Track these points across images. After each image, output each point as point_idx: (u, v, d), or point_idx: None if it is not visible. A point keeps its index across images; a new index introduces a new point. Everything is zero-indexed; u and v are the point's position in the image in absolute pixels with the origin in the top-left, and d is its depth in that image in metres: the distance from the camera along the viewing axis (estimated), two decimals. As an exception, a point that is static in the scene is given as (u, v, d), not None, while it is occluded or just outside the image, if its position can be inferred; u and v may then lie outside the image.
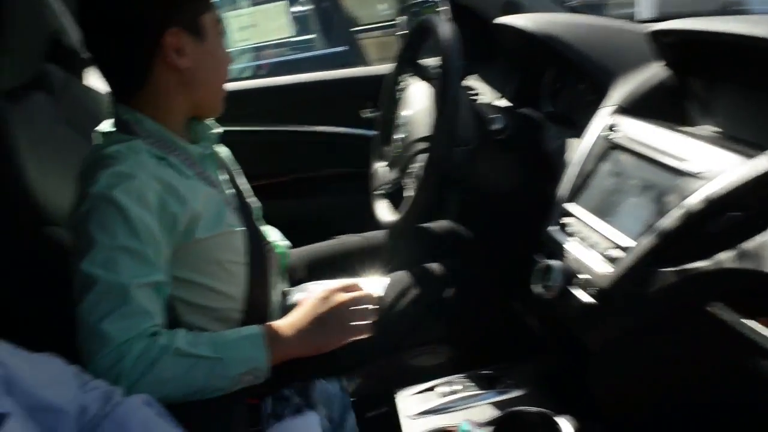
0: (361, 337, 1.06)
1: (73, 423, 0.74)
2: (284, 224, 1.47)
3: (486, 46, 1.78)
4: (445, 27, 1.27)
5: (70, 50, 1.62)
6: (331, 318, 1.05)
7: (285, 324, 1.05)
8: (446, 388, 1.14)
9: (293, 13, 4.48)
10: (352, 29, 4.52)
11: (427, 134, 1.29)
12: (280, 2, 4.49)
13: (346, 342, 1.06)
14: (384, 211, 1.48)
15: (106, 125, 1.10)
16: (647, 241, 0.91)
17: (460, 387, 1.14)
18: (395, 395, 1.02)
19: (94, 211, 0.96)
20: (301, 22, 4.51)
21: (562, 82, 1.48)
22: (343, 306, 1.06)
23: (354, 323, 1.06)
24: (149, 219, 0.98)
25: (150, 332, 0.95)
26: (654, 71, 1.18)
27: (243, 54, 4.60)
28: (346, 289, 1.09)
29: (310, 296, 1.11)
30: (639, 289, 0.90)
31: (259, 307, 1.16)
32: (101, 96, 1.76)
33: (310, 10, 4.43)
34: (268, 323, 1.06)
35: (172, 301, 1.04)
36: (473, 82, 1.78)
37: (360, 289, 1.10)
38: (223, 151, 1.27)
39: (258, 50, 4.60)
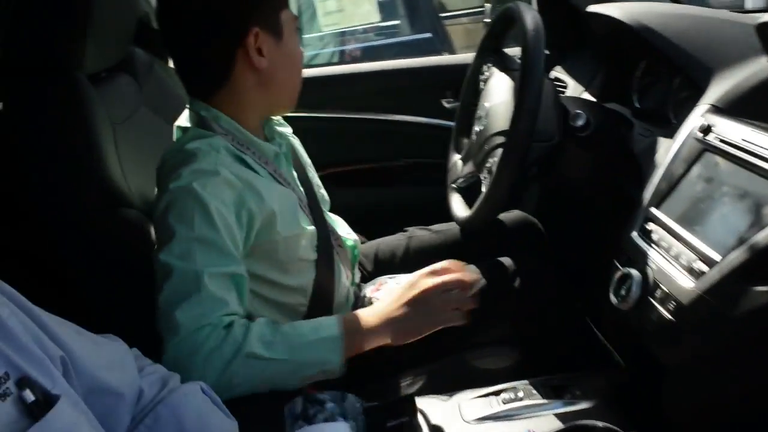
0: (454, 324, 1.04)
1: (129, 406, 0.74)
2: (356, 214, 1.46)
3: (575, 37, 1.69)
4: (529, 15, 1.21)
5: (156, 33, 1.66)
6: (420, 303, 1.02)
7: (370, 312, 1.04)
8: (510, 395, 1.09)
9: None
10: (438, 15, 4.45)
11: (506, 128, 1.23)
12: (368, -13, 4.48)
13: (435, 329, 1.03)
14: (457, 206, 1.43)
15: (184, 119, 1.12)
16: (737, 255, 0.83)
17: (524, 394, 1.09)
18: (416, 402, 0.99)
19: (174, 204, 0.99)
20: (387, 8, 4.47)
21: (654, 76, 1.39)
22: (434, 291, 1.03)
23: (446, 310, 1.03)
24: (227, 213, 0.99)
25: (224, 322, 0.95)
26: (759, 68, 1.08)
27: (330, 39, 4.63)
28: (436, 272, 1.06)
29: (392, 286, 1.09)
30: (724, 308, 0.83)
31: (324, 301, 1.16)
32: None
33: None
34: (350, 314, 1.05)
35: None
36: (559, 74, 1.70)
37: (453, 273, 1.06)
38: (295, 143, 1.27)
39: (344, 35, 4.60)
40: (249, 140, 1.09)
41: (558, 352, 1.25)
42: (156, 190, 1.09)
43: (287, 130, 1.28)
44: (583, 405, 1.06)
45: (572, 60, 1.70)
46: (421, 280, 1.04)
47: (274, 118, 1.21)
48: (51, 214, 1.10)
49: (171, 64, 1.63)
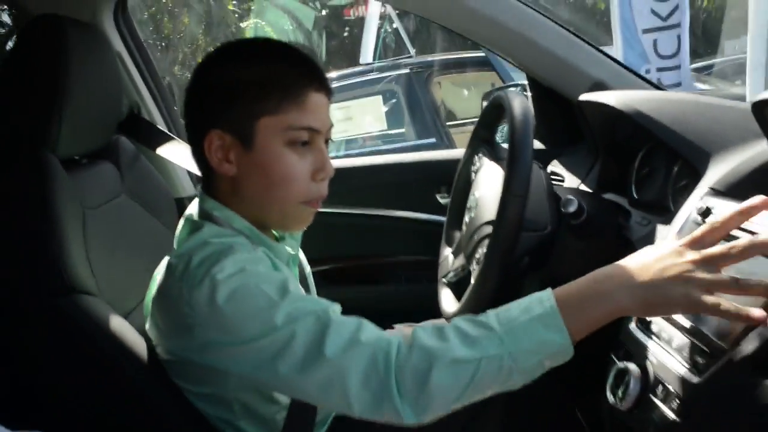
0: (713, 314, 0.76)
1: None
2: (345, 313, 1.38)
3: (570, 131, 1.67)
4: (517, 101, 1.18)
5: (145, 123, 1.66)
6: (682, 280, 0.76)
7: (605, 272, 0.82)
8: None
9: (387, 106, 4.57)
10: (443, 121, 4.54)
11: (494, 217, 1.17)
12: (375, 97, 4.60)
13: (689, 310, 0.81)
14: (446, 301, 1.35)
15: (193, 211, 1.05)
16: (746, 345, 0.74)
17: None
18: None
19: (237, 291, 0.87)
20: (394, 116, 4.58)
21: (651, 167, 1.34)
22: (701, 265, 0.75)
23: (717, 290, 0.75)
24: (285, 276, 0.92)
25: (386, 335, 0.84)
26: (757, 151, 1.03)
27: (340, 145, 4.71)
28: (717, 230, 0.78)
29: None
30: (734, 405, 0.72)
31: (307, 410, 1.06)
32: (171, 172, 1.79)
33: (403, 104, 4.51)
34: (574, 281, 0.83)
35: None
36: (555, 168, 1.66)
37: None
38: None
39: (352, 142, 4.69)
40: (262, 241, 1.01)
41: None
42: (158, 280, 0.98)
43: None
44: None
45: (569, 154, 1.67)
46: (683, 249, 0.79)
47: None
48: (2, 296, 1.03)
49: (165, 154, 1.62)
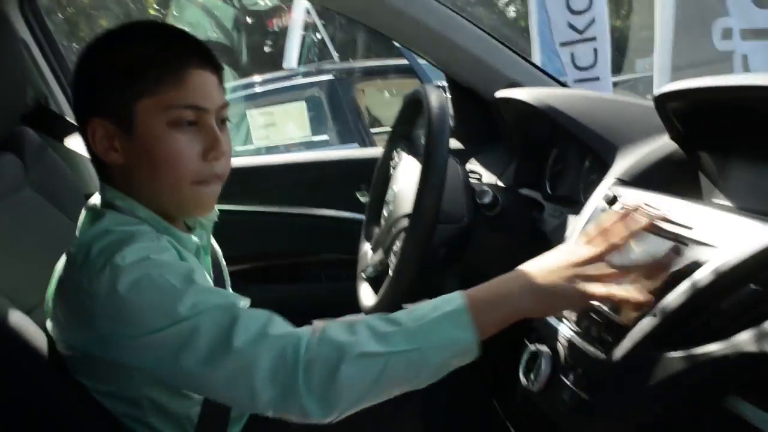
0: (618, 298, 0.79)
1: None
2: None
3: (488, 131, 1.70)
4: (434, 95, 1.19)
5: (54, 116, 1.59)
6: (571, 274, 0.82)
7: (508, 276, 0.86)
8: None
9: (311, 112, 4.54)
10: (367, 127, 4.55)
11: (411, 210, 1.18)
12: (300, 103, 4.57)
13: (588, 301, 0.83)
14: (365, 295, 1.34)
15: (95, 201, 1.00)
16: (648, 321, 0.77)
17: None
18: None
19: (141, 280, 0.83)
20: (318, 121, 4.56)
21: (564, 163, 1.38)
22: (589, 260, 0.82)
23: (604, 281, 0.80)
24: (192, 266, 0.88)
25: (298, 329, 0.81)
26: (660, 144, 1.08)
27: (260, 152, 4.64)
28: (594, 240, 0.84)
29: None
30: (638, 379, 0.75)
31: (221, 408, 1.02)
32: (81, 165, 1.72)
33: (327, 111, 4.49)
34: (483, 284, 0.86)
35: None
36: (474, 166, 1.68)
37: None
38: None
39: (274, 149, 4.63)
40: (168, 231, 0.97)
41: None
42: (59, 272, 0.93)
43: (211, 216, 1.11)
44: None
45: (487, 153, 1.70)
46: (576, 247, 0.86)
47: None
48: None
49: (74, 147, 1.55)
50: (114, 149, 0.91)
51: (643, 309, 0.78)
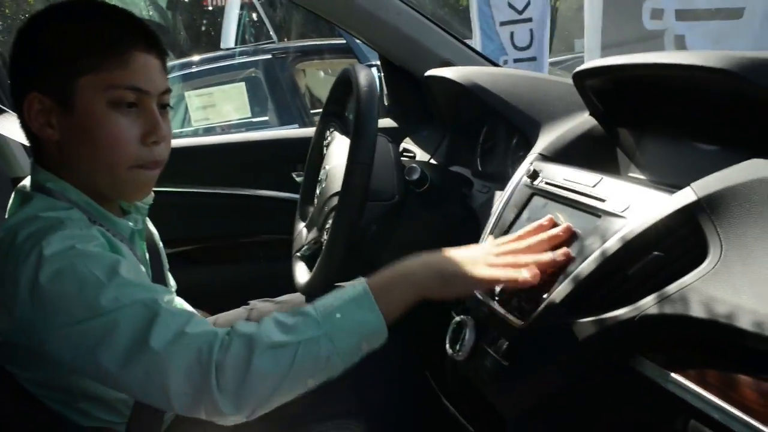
0: (516, 281, 0.83)
1: None
2: (201, 293, 1.34)
3: (421, 109, 1.72)
4: (362, 73, 1.20)
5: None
6: (472, 259, 0.87)
7: (412, 260, 0.89)
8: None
9: (251, 93, 4.47)
10: (307, 109, 4.52)
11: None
12: (239, 83, 4.50)
13: (493, 282, 0.88)
14: (300, 274, 1.35)
15: (26, 183, 0.97)
16: (560, 288, 0.80)
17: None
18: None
19: (63, 271, 0.81)
20: (258, 102, 4.50)
21: (494, 141, 1.41)
22: (494, 245, 0.90)
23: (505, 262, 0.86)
24: (120, 258, 0.86)
25: (212, 328, 0.81)
26: (580, 121, 1.12)
27: (198, 133, 4.56)
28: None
29: None
30: (552, 345, 0.78)
31: None
32: (6, 148, 1.67)
33: (266, 91, 4.44)
34: (387, 268, 0.89)
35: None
36: (407, 145, 1.71)
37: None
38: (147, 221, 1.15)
39: (212, 130, 4.56)
40: (101, 215, 0.95)
41: (406, 422, 1.16)
42: None
43: (146, 200, 1.10)
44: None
45: (420, 132, 1.72)
46: (487, 245, 0.91)
47: None
48: None
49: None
50: (50, 125, 0.90)
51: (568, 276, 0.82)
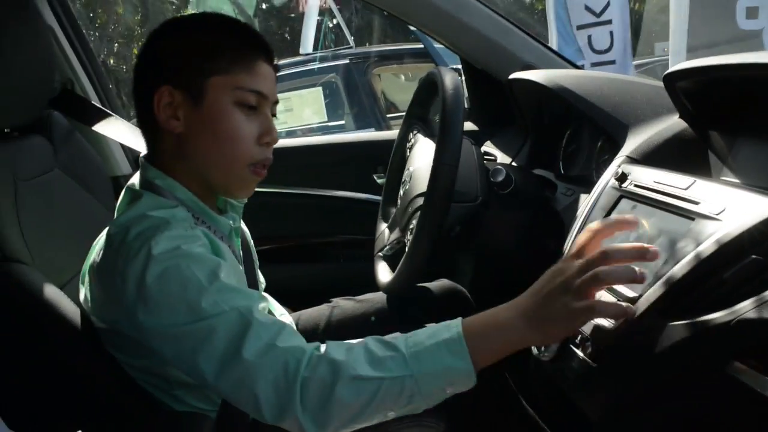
0: (608, 316, 0.81)
1: None
2: (285, 290, 1.39)
3: (502, 113, 1.73)
4: (448, 76, 1.22)
5: (80, 100, 1.64)
6: (561, 293, 0.80)
7: (504, 307, 0.85)
8: (433, 464, 1.00)
9: (327, 97, 4.57)
10: (383, 112, 4.57)
11: (426, 190, 1.21)
12: (316, 89, 4.60)
13: (585, 322, 0.83)
14: (382, 273, 1.38)
15: (135, 182, 1.04)
16: (653, 292, 0.80)
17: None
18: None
19: (168, 271, 0.87)
20: (334, 107, 4.58)
21: (577, 144, 1.40)
22: (576, 273, 0.80)
23: (589, 296, 0.80)
24: (222, 262, 0.92)
25: (304, 345, 0.84)
26: (670, 123, 1.10)
27: (284, 136, 4.69)
28: (580, 253, 0.82)
29: None
30: (642, 347, 0.78)
31: None
32: (106, 148, 1.77)
33: (343, 96, 4.52)
34: (480, 313, 0.86)
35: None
36: (489, 148, 1.71)
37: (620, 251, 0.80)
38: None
39: (292, 134, 4.67)
40: (205, 213, 1.02)
41: (485, 422, 1.16)
42: (99, 251, 0.97)
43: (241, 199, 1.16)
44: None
45: (501, 135, 1.73)
46: (567, 263, 0.82)
47: None
48: None
49: (101, 130, 1.60)
50: (176, 118, 0.97)
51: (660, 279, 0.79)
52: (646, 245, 0.79)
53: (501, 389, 1.28)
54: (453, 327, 0.83)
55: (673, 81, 1.03)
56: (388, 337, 0.85)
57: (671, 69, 1.01)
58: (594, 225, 0.84)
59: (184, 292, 0.86)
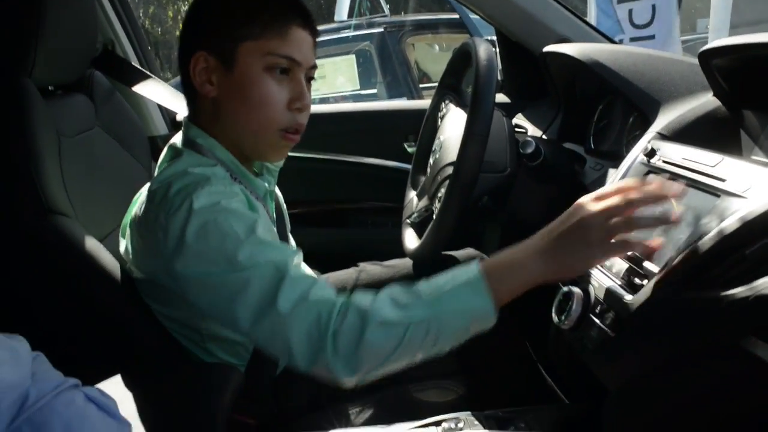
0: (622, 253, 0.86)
1: (9, 406, 0.68)
2: (313, 253, 1.43)
3: (535, 86, 1.73)
4: (482, 47, 1.22)
5: (120, 60, 1.68)
6: (577, 233, 0.83)
7: (519, 247, 0.87)
8: (451, 424, 1.04)
9: (360, 66, 4.56)
10: (416, 81, 4.55)
11: (455, 159, 1.22)
12: (349, 56, 4.59)
13: (599, 261, 0.88)
14: (409, 239, 1.41)
15: (177, 141, 1.08)
16: (674, 265, 0.81)
17: (465, 424, 1.03)
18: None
19: (208, 224, 0.91)
20: (367, 75, 4.58)
21: (609, 119, 1.40)
22: (596, 217, 0.82)
23: (607, 239, 0.82)
24: (259, 217, 0.95)
25: (334, 295, 0.88)
26: (702, 101, 1.10)
27: (317, 102, 4.71)
28: (603, 197, 0.84)
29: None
30: (661, 319, 0.80)
31: None
32: (144, 108, 1.81)
33: (376, 65, 4.50)
34: (496, 254, 0.89)
35: None
36: (520, 121, 1.71)
37: (626, 194, 0.83)
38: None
39: (324, 101, 4.68)
40: (242, 174, 1.05)
41: (504, 388, 1.19)
42: (140, 205, 1.01)
43: (277, 163, 1.21)
44: (526, 436, 1.01)
45: (533, 108, 1.73)
46: (582, 207, 0.84)
47: None
48: None
49: (140, 90, 1.64)
50: (210, 82, 1.01)
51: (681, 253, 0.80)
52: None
53: (520, 357, 1.30)
54: (472, 269, 0.86)
55: (709, 58, 1.02)
56: (408, 286, 0.88)
57: (707, 46, 1.01)
58: (621, 185, 0.85)
59: (222, 245, 0.89)
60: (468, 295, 0.84)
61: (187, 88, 1.05)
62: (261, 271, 0.88)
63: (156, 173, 1.05)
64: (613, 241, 0.82)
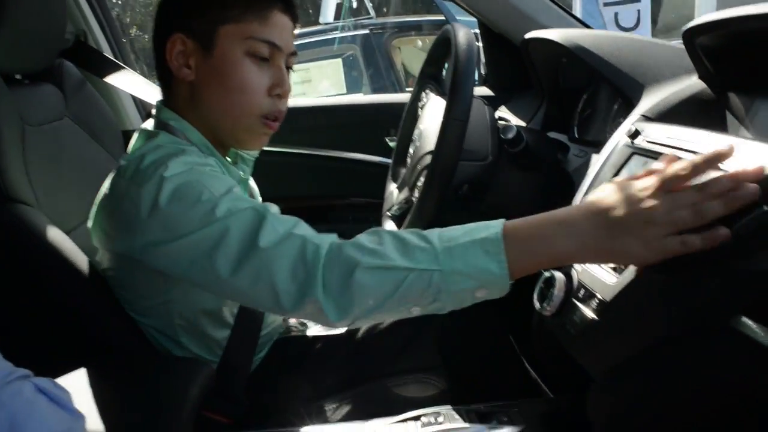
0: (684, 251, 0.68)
1: None
2: None
3: (518, 78, 1.70)
4: (462, 32, 1.19)
5: (91, 51, 1.63)
6: (639, 224, 0.69)
7: (553, 215, 0.75)
8: (430, 419, 1.00)
9: (347, 69, 4.54)
10: (403, 86, 4.53)
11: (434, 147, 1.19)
12: (335, 60, 4.57)
13: (652, 262, 0.71)
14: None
15: (149, 125, 1.04)
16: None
17: (445, 419, 0.99)
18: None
19: (180, 188, 0.86)
20: (353, 78, 4.55)
21: (593, 108, 1.37)
22: (670, 205, 0.68)
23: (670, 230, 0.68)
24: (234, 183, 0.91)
25: (325, 237, 0.82)
26: (687, 83, 1.07)
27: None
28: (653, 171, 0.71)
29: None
30: (646, 300, 0.76)
31: (254, 314, 1.09)
32: (117, 100, 1.77)
33: (362, 67, 4.48)
34: (525, 217, 0.76)
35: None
36: (503, 113, 1.68)
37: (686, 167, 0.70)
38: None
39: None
40: (218, 159, 1.02)
41: (487, 382, 1.16)
42: (107, 187, 0.98)
43: (252, 152, 1.17)
44: (508, 430, 0.97)
45: (516, 100, 1.70)
46: (644, 190, 0.71)
47: None
48: None
49: (113, 81, 1.60)
50: (187, 66, 0.97)
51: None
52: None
53: (503, 350, 1.26)
54: (492, 227, 0.75)
55: (693, 36, 0.99)
56: (422, 231, 0.80)
57: (692, 23, 0.98)
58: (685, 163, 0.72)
59: (197, 204, 0.84)
60: (481, 255, 0.73)
61: (161, 71, 1.02)
62: (240, 216, 0.82)
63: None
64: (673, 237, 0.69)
